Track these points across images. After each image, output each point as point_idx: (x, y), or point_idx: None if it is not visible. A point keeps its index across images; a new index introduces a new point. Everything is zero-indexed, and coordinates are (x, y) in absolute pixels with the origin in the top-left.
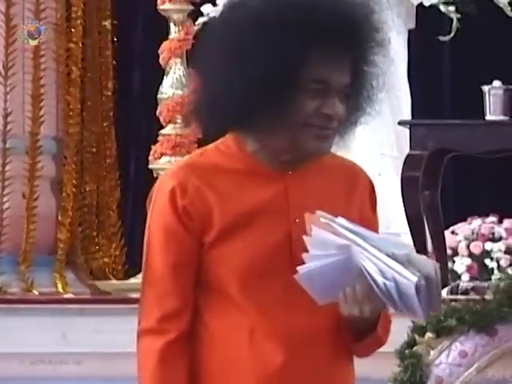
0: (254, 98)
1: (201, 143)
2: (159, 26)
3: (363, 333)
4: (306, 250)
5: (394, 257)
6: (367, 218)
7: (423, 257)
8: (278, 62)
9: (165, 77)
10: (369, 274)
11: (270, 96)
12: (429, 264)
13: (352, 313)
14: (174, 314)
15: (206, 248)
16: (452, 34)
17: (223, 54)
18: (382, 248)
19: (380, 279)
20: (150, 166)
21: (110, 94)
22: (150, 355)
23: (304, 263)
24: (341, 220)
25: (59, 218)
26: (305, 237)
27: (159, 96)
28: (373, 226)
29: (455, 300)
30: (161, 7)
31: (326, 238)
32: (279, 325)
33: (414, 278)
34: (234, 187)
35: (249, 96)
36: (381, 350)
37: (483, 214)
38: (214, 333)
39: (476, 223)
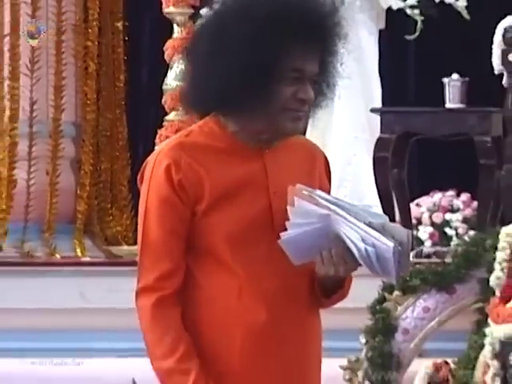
0: (238, 85)
1: None
2: (164, 27)
3: (332, 290)
4: (287, 219)
5: (371, 225)
6: (324, 184)
7: (397, 225)
8: (261, 54)
9: (169, 70)
10: (350, 240)
11: (253, 83)
12: (402, 231)
13: (328, 273)
14: (168, 275)
15: (198, 217)
16: (416, 34)
17: (211, 43)
18: (360, 217)
19: (361, 245)
20: (157, 148)
21: (121, 85)
22: (147, 309)
23: (286, 230)
24: (320, 192)
25: (78, 192)
26: (288, 207)
27: (164, 87)
28: (327, 191)
29: (419, 263)
30: (166, 10)
31: (307, 208)
32: (263, 285)
33: (392, 244)
34: (219, 163)
35: (234, 83)
36: (356, 305)
37: (443, 188)
38: (206, 292)
39: (437, 196)
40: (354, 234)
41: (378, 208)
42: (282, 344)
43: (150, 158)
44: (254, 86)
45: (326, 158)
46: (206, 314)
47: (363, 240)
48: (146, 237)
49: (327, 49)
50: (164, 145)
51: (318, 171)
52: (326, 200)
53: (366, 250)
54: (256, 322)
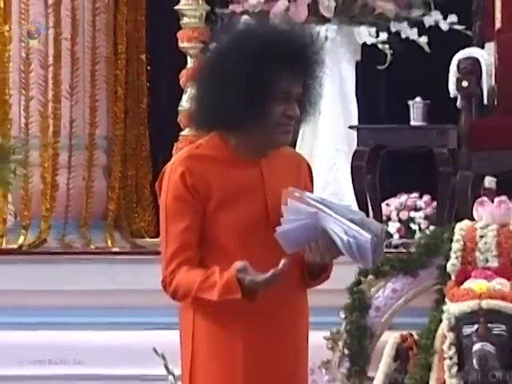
0: (237, 107)
1: None
2: (180, 59)
3: (317, 273)
4: (281, 216)
5: (352, 220)
6: (308, 186)
7: (373, 220)
8: (255, 80)
9: (183, 94)
10: (335, 232)
11: (249, 105)
12: (377, 225)
13: (315, 260)
14: (187, 261)
15: (208, 215)
16: (386, 64)
17: (214, 73)
18: (342, 214)
19: (344, 237)
20: (173, 158)
21: (144, 106)
22: (177, 284)
23: (280, 225)
24: (309, 194)
25: (109, 194)
26: (283, 206)
27: (179, 108)
28: (310, 191)
29: (389, 252)
30: (181, 45)
31: (298, 207)
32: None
33: (369, 236)
34: (223, 171)
35: (233, 105)
36: (337, 287)
37: (408, 191)
38: None
39: (403, 198)
40: (338, 228)
41: (355, 207)
42: (277, 317)
43: (167, 167)
44: (251, 107)
45: (309, 165)
46: None
47: (346, 233)
48: (167, 233)
49: (309, 74)
50: (178, 156)
51: (303, 176)
52: (314, 200)
53: (348, 241)
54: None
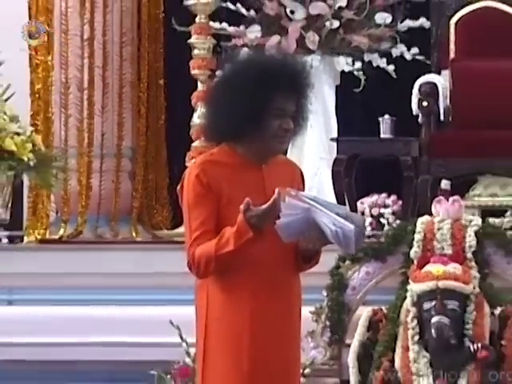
0: (241, 123)
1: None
2: (192, 83)
3: (309, 258)
4: (279, 211)
5: (338, 214)
6: (301, 188)
7: (356, 214)
8: (256, 100)
9: (194, 112)
10: (325, 224)
11: (251, 121)
12: (359, 218)
13: (308, 247)
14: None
15: (220, 210)
16: (361, 88)
17: (221, 95)
18: (330, 209)
19: (333, 227)
20: (187, 165)
21: (163, 122)
22: (198, 257)
23: (279, 218)
24: (303, 193)
25: (133, 194)
26: (281, 202)
27: (191, 124)
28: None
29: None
30: (192, 72)
31: (294, 203)
32: (262, 255)
33: (353, 227)
34: (232, 174)
35: (238, 122)
36: (321, 270)
37: (379, 192)
38: None
39: (375, 197)
40: (327, 220)
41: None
42: (276, 294)
43: (187, 171)
44: (252, 122)
45: (301, 171)
46: (224, 274)
47: (333, 224)
48: (190, 223)
49: (301, 94)
50: (195, 162)
51: (297, 180)
52: (307, 198)
53: (336, 231)
54: (257, 280)
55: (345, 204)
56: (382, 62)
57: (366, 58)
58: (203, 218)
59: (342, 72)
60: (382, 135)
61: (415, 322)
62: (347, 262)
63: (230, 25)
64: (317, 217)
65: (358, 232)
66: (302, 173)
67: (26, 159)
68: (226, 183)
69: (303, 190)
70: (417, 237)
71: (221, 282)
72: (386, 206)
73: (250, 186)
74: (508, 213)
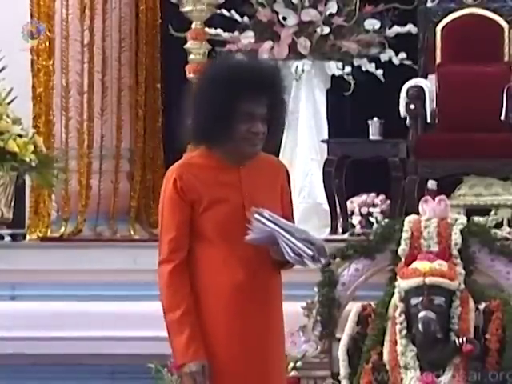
0: (212, 126)
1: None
2: (187, 87)
3: (282, 264)
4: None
5: (298, 239)
6: (285, 187)
7: (315, 237)
8: (225, 104)
9: None
10: (285, 249)
11: (221, 124)
12: (319, 242)
13: (277, 258)
14: (177, 250)
15: (198, 213)
16: (351, 91)
17: (197, 100)
18: (291, 233)
19: (292, 254)
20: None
21: (159, 125)
22: (165, 274)
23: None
24: (268, 214)
25: (131, 194)
26: (248, 225)
27: None
28: (287, 193)
29: (353, 240)
30: (188, 76)
31: (258, 226)
32: (240, 255)
33: (311, 253)
34: (210, 177)
35: (209, 124)
36: (312, 267)
37: (368, 191)
38: (202, 263)
39: (364, 197)
40: (287, 246)
41: (325, 205)
42: (256, 293)
43: (166, 174)
44: (221, 126)
45: (286, 170)
46: (203, 277)
47: (293, 251)
48: (163, 226)
49: (272, 97)
50: (174, 164)
51: (281, 179)
52: (269, 221)
53: (294, 258)
54: (237, 280)
55: (335, 203)
56: (370, 67)
57: (356, 62)
58: (175, 224)
59: (333, 76)
60: (371, 137)
61: (403, 316)
62: (337, 260)
63: (224, 31)
64: (279, 240)
65: (316, 258)
66: (287, 171)
67: (28, 160)
68: (203, 186)
69: (289, 188)
70: (404, 235)
71: (198, 282)
72: (374, 205)
73: (226, 187)
74: (492, 212)
